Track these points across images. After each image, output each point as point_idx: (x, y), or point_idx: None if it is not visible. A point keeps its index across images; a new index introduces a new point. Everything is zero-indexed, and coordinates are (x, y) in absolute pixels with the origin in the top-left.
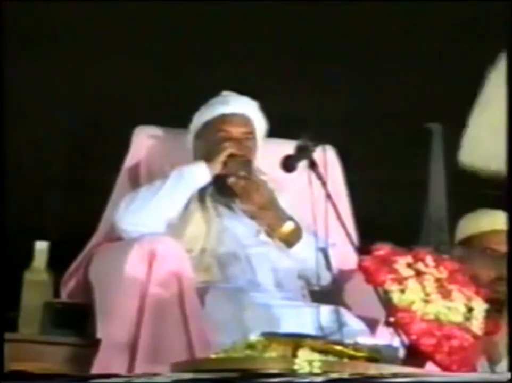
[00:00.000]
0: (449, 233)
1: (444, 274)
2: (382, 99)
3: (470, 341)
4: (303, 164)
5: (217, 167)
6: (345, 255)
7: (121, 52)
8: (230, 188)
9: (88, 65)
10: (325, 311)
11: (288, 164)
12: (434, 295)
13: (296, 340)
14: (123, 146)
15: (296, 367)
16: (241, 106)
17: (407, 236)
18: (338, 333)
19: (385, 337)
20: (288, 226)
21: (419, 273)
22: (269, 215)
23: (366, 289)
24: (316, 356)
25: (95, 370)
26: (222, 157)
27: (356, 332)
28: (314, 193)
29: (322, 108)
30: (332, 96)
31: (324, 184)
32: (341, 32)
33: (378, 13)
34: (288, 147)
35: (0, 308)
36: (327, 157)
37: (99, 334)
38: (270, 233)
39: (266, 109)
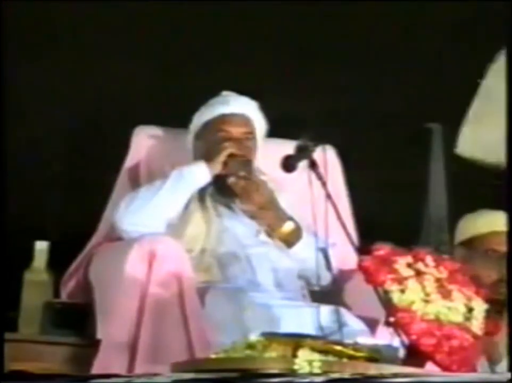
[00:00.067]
0: (449, 233)
1: (444, 274)
2: (382, 99)
3: (470, 341)
4: (303, 164)
5: (217, 167)
6: (345, 255)
7: (121, 52)
8: (230, 188)
9: (88, 65)
10: (325, 311)
11: (288, 164)
12: (434, 295)
13: (296, 340)
14: (123, 146)
15: (296, 367)
16: (241, 106)
17: (407, 236)
18: (338, 333)
19: (385, 337)
20: (288, 226)
21: (419, 273)
22: (269, 215)
23: (366, 289)
24: (316, 356)
25: (95, 370)
26: (222, 157)
27: (356, 332)
28: (314, 193)
29: (322, 108)
30: (332, 96)
31: (324, 184)
32: (341, 32)
33: (378, 13)
34: (288, 147)
35: (0, 308)
36: (327, 157)
37: (99, 334)
38: (270, 233)
39: (266, 109)
